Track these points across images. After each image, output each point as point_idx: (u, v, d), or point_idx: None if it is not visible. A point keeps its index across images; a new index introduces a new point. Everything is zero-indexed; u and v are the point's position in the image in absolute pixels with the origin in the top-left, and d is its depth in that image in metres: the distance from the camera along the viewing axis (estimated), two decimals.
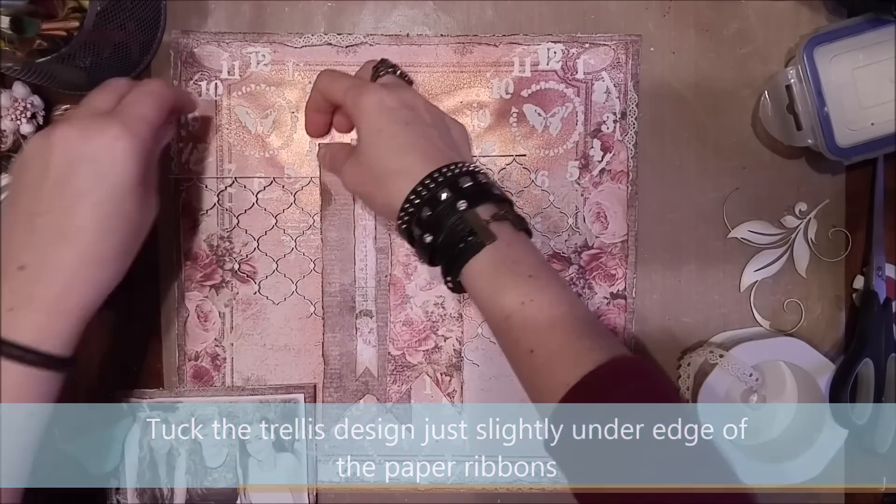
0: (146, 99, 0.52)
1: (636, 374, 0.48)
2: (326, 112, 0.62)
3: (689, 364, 0.64)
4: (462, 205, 0.51)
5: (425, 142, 0.54)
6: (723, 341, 0.65)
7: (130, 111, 0.51)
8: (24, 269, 0.48)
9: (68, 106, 0.56)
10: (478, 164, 0.55)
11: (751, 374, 0.62)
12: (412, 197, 0.52)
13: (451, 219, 0.51)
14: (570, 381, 0.46)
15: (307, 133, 0.64)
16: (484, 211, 0.52)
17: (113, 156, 0.49)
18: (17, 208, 0.49)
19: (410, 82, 0.60)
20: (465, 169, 0.53)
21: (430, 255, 0.53)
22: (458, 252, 0.51)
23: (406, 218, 0.53)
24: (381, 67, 0.59)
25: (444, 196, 0.51)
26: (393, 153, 0.54)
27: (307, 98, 0.63)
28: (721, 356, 0.62)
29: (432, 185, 0.52)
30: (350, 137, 0.64)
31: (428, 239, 0.52)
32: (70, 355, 0.50)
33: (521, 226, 0.53)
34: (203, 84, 0.64)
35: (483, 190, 0.52)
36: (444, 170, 0.52)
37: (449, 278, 0.53)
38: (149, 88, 0.54)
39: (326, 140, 0.65)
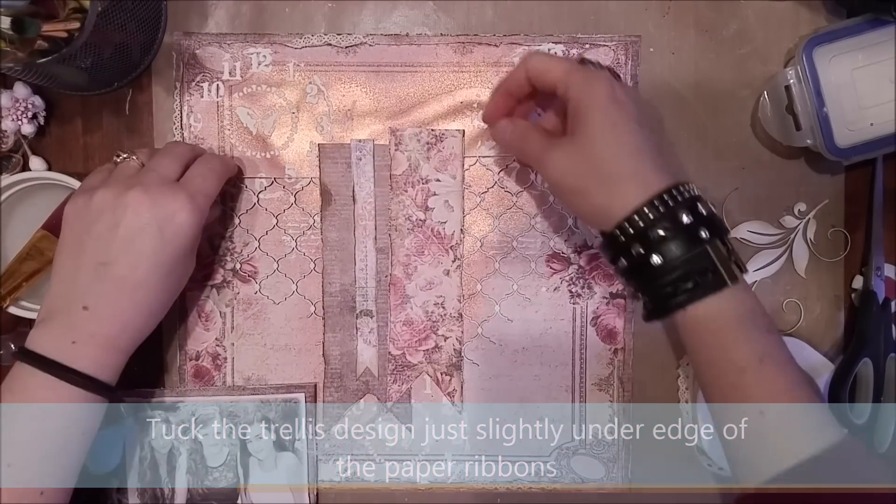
0: (210, 175, 0.58)
1: (867, 459, 0.48)
2: (517, 97, 0.57)
3: (688, 365, 0.65)
4: (704, 234, 0.48)
5: (656, 150, 0.51)
6: None
7: (196, 186, 0.56)
8: (88, 309, 0.53)
9: (126, 154, 0.58)
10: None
11: None
12: (645, 210, 0.48)
13: (687, 247, 0.48)
14: (803, 451, 0.46)
15: (484, 117, 0.60)
16: (722, 246, 0.49)
17: (177, 224, 0.54)
18: (84, 255, 0.54)
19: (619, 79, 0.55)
20: (697, 192, 0.50)
21: (646, 279, 0.50)
22: (695, 286, 0.48)
23: (630, 232, 0.49)
24: (589, 63, 0.54)
25: (685, 219, 0.48)
26: (627, 154, 0.50)
27: (503, 79, 0.58)
28: None
29: (671, 203, 0.48)
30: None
31: (657, 261, 0.48)
32: (115, 385, 0.56)
33: (745, 268, 0.51)
34: (205, 85, 0.64)
35: (719, 221, 0.50)
36: (682, 188, 0.49)
37: (660, 310, 0.50)
38: (211, 166, 0.59)
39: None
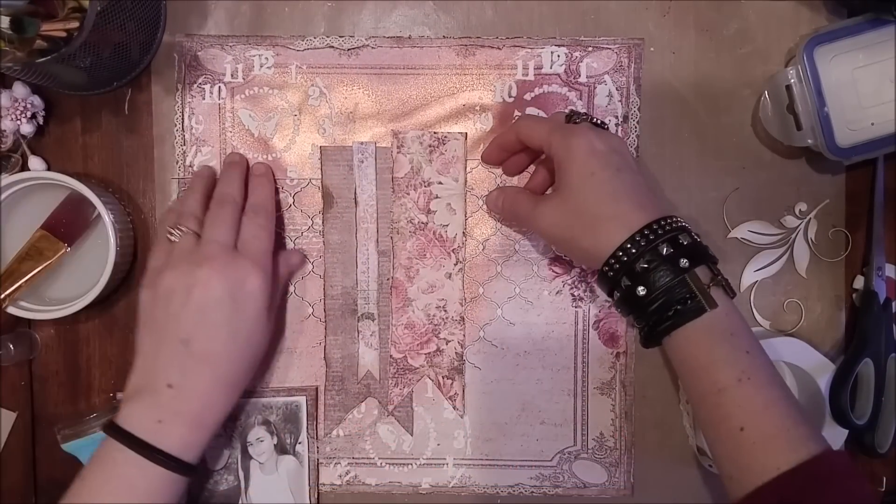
0: (262, 234, 0.59)
1: (849, 472, 0.48)
2: (510, 151, 0.63)
3: None
4: (684, 263, 0.51)
5: (638, 190, 0.54)
6: None
7: (254, 249, 0.58)
8: (173, 387, 0.54)
9: (181, 231, 0.57)
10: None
11: None
12: (628, 246, 0.51)
13: (668, 276, 0.51)
14: (782, 465, 0.47)
15: (484, 160, 0.64)
16: (702, 272, 0.51)
17: (248, 290, 0.56)
18: (164, 333, 0.55)
19: (606, 128, 0.59)
20: (680, 223, 0.53)
21: (636, 309, 0.53)
22: (675, 314, 0.51)
23: (617, 266, 0.52)
24: (574, 116, 0.57)
25: (664, 251, 0.51)
26: (607, 198, 0.53)
27: (498, 134, 0.63)
28: None
29: (651, 237, 0.51)
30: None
31: (641, 292, 0.51)
32: (198, 464, 0.56)
33: (732, 291, 0.53)
34: (207, 87, 0.64)
35: (701, 249, 0.52)
36: (663, 222, 0.52)
37: (651, 337, 0.53)
38: (260, 223, 0.59)
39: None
